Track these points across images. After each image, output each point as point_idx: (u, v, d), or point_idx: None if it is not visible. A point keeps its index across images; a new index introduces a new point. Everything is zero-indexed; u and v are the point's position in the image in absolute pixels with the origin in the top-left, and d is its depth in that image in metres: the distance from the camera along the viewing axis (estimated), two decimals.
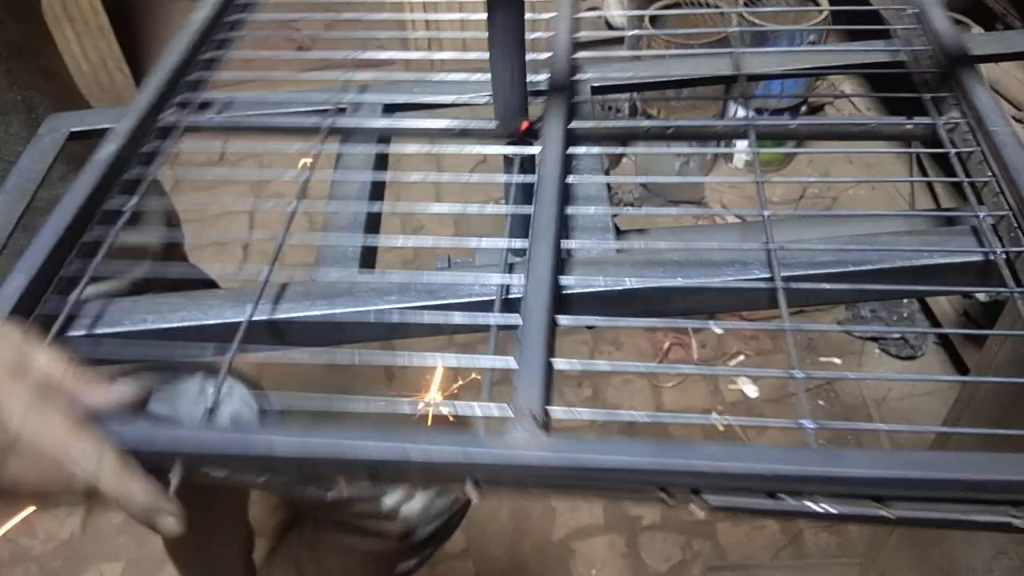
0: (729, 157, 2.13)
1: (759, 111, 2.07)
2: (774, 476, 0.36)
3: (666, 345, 1.92)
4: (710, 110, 2.02)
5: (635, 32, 1.84)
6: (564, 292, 0.43)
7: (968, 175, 0.45)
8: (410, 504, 1.00)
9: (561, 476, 0.34)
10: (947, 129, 0.48)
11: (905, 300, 1.91)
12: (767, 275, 0.43)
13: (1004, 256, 0.41)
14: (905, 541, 1.31)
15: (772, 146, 2.08)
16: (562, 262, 0.44)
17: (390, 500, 0.99)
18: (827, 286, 0.43)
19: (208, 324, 0.44)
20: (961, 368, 1.74)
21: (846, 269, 0.44)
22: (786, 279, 0.44)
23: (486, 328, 0.42)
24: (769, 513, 0.37)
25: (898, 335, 1.84)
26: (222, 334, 0.43)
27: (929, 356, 1.84)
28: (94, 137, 0.61)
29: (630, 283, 0.44)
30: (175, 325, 0.44)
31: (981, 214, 0.43)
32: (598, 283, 0.44)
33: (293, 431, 0.34)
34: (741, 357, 1.90)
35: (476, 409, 0.35)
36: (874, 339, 1.88)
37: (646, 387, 1.85)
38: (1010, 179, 0.42)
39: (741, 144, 2.08)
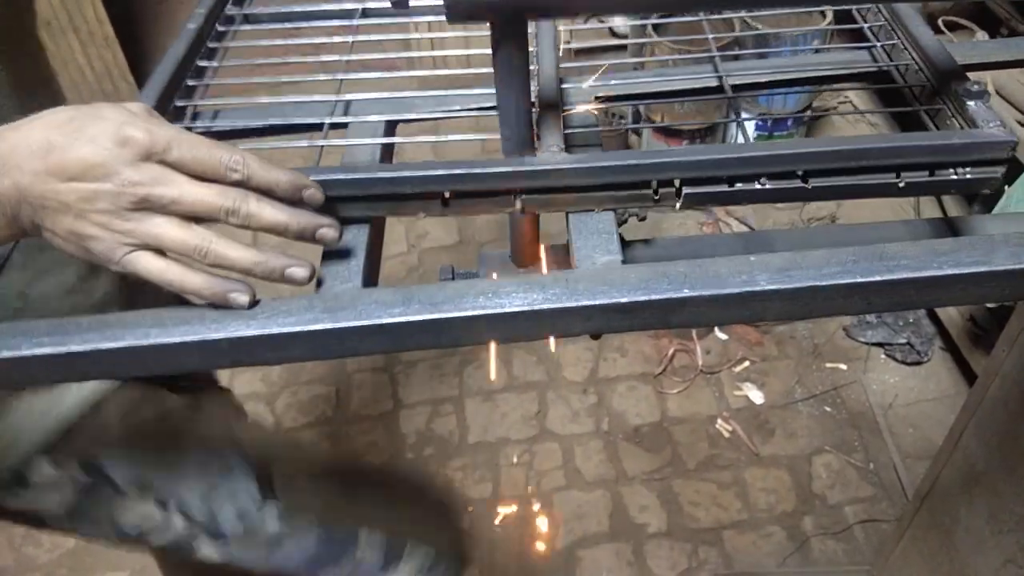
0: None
1: (763, 119, 2.07)
2: (730, 160, 0.48)
3: (670, 352, 1.91)
4: (712, 115, 2.02)
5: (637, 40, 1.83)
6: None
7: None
8: None
9: (580, 176, 0.47)
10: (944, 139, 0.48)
11: None
12: (774, 287, 0.43)
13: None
14: (913, 549, 1.30)
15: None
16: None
17: None
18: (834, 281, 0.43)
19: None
20: (968, 374, 1.73)
21: (854, 280, 0.44)
22: (791, 290, 0.43)
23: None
24: (727, 198, 0.49)
25: (904, 340, 1.84)
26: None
27: (935, 362, 1.84)
28: None
29: (635, 294, 0.43)
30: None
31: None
32: (603, 295, 0.44)
33: None
34: (746, 363, 1.89)
35: None
36: (880, 344, 1.87)
37: (651, 393, 1.84)
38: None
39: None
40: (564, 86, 0.58)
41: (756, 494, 1.66)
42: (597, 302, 0.43)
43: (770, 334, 1.95)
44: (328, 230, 0.46)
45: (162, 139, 0.42)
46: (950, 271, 0.43)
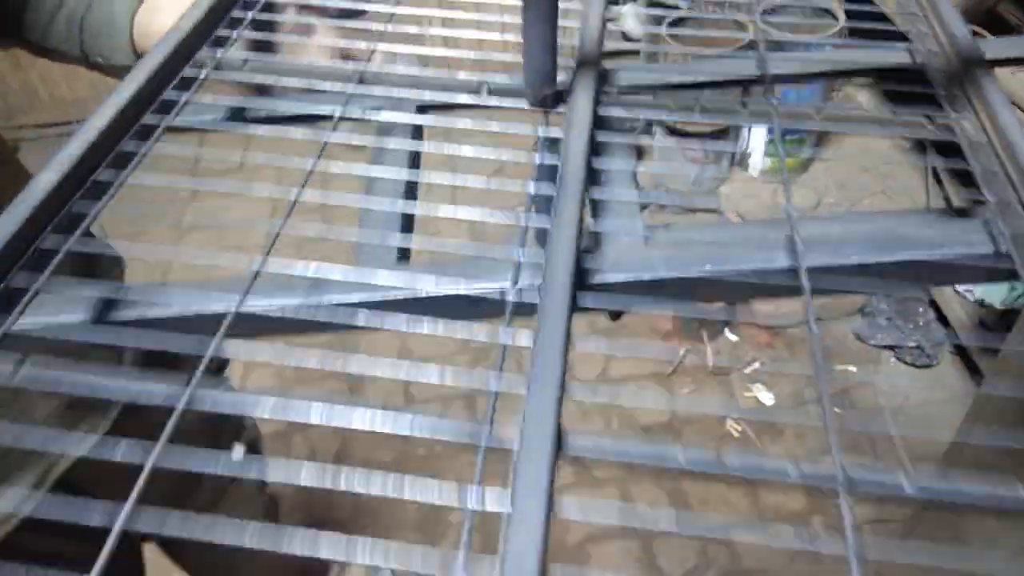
0: (744, 165, 2.14)
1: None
2: None
3: (681, 352, 1.93)
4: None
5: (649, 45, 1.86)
6: (587, 274, 0.44)
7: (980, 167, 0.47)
8: None
9: None
10: (958, 122, 0.50)
11: (921, 309, 1.92)
12: (792, 264, 0.45)
13: (1012, 240, 0.43)
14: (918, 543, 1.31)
15: (791, 147, 2.09)
16: (585, 247, 0.46)
17: None
18: (850, 261, 0.44)
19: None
20: (977, 377, 1.74)
21: (872, 260, 0.45)
22: (811, 269, 0.45)
23: (502, 310, 0.43)
24: None
25: (914, 343, 1.85)
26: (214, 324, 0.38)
27: (944, 365, 1.85)
28: None
29: (658, 270, 0.45)
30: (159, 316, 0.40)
31: (992, 200, 0.45)
32: (623, 266, 0.45)
33: None
34: (756, 364, 1.90)
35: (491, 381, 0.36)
36: (890, 347, 1.88)
37: (661, 393, 1.86)
38: (1020, 169, 0.44)
39: (757, 150, 2.10)
40: (603, 67, 0.59)
41: (765, 494, 1.67)
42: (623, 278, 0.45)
43: (781, 336, 1.96)
44: None
45: None
46: (960, 251, 0.45)
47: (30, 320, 0.38)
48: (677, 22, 2.02)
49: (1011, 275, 0.44)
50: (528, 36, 0.49)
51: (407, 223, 0.53)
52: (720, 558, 1.57)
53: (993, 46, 0.57)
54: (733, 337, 1.97)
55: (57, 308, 0.40)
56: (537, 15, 0.47)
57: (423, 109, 0.61)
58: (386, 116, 0.54)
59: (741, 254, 0.46)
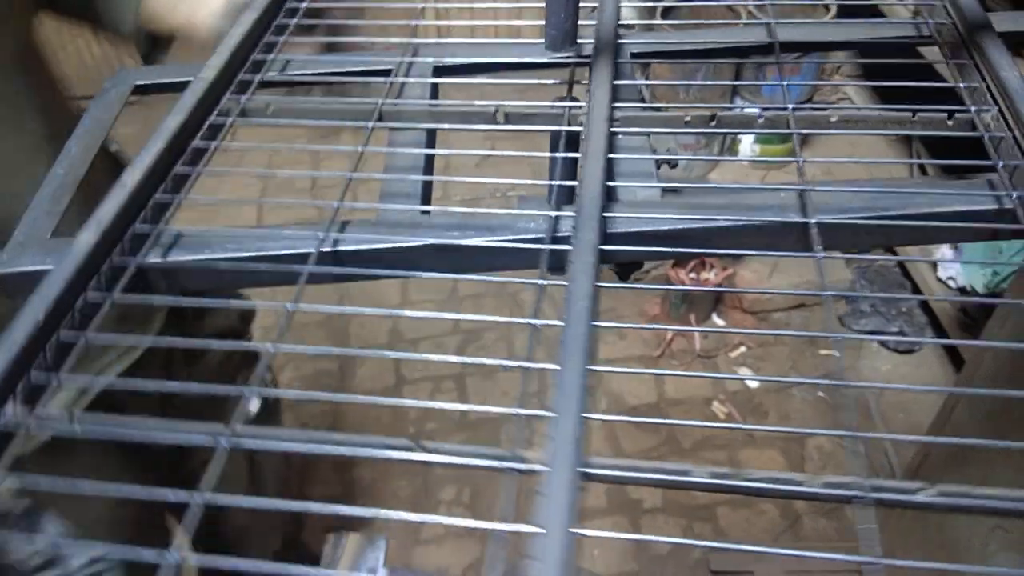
0: (735, 151, 2.17)
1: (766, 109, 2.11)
2: None
3: (669, 336, 1.95)
4: (718, 101, 2.06)
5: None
6: (610, 229, 0.46)
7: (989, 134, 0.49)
8: None
9: None
10: (968, 91, 0.52)
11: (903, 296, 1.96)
12: (801, 218, 0.47)
13: (1019, 199, 0.45)
14: (904, 524, 1.34)
15: (778, 141, 2.12)
16: (608, 204, 0.48)
17: None
18: (859, 219, 0.46)
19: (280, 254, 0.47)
20: (958, 362, 1.78)
21: (876, 215, 0.48)
22: (820, 224, 0.47)
23: (536, 263, 0.45)
24: None
25: (896, 329, 1.89)
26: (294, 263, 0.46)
27: (927, 350, 1.89)
28: (159, 91, 0.64)
29: (676, 222, 0.47)
30: (251, 254, 0.47)
31: (999, 164, 0.47)
32: (644, 220, 0.47)
33: None
34: (743, 348, 1.94)
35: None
36: (873, 333, 1.92)
37: (649, 375, 1.88)
38: (1014, 109, 0.47)
39: (747, 137, 2.12)
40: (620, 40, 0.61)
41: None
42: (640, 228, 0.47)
43: (767, 321, 1.99)
44: None
45: None
46: (964, 207, 0.47)
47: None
48: (669, 10, 2.03)
49: (1017, 233, 0.46)
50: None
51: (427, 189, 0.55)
52: (705, 535, 1.60)
53: (1001, 19, 0.59)
54: (720, 322, 2.00)
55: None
56: None
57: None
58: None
59: (754, 209, 0.48)
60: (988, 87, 0.51)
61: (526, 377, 0.35)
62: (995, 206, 0.47)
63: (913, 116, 0.53)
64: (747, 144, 2.12)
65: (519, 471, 0.31)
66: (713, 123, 0.55)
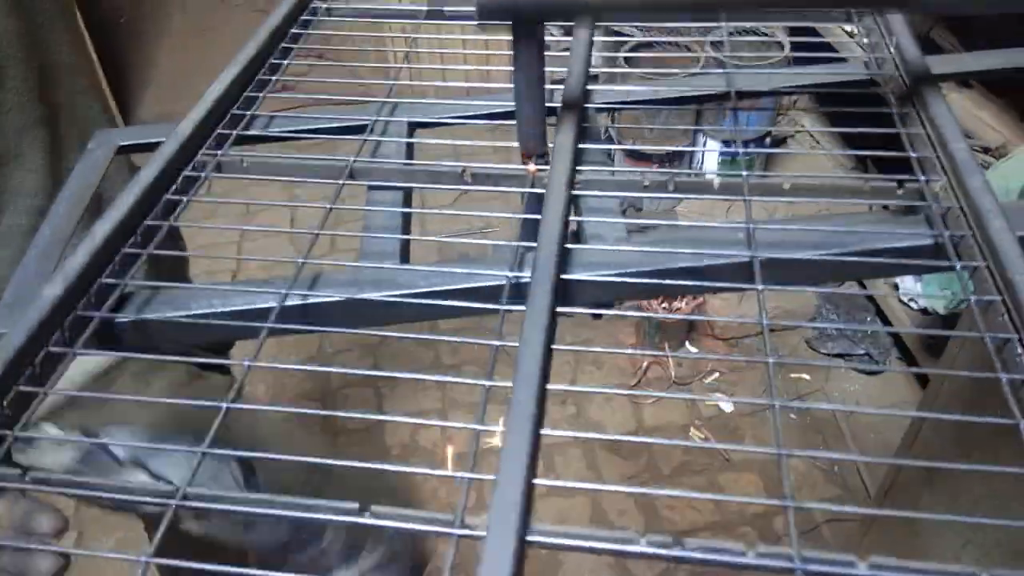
0: (700, 176, 2.23)
1: (726, 143, 2.19)
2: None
3: (645, 364, 1.99)
4: (681, 140, 2.13)
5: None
6: (568, 281, 0.49)
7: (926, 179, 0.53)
8: None
9: None
10: (918, 160, 0.56)
11: (868, 318, 2.02)
12: (748, 254, 0.50)
13: (950, 238, 0.49)
14: (878, 541, 1.38)
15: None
16: (567, 258, 0.50)
17: None
18: (800, 256, 0.50)
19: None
20: (923, 381, 1.84)
21: (819, 252, 0.51)
22: (764, 261, 0.50)
23: (496, 311, 0.47)
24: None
25: (863, 351, 1.94)
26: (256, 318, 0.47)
27: (892, 371, 1.94)
28: (142, 151, 0.66)
29: (634, 274, 0.51)
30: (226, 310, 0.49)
31: (933, 205, 0.51)
32: (600, 276, 0.50)
33: None
34: (716, 374, 1.98)
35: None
36: (840, 355, 1.97)
37: (627, 403, 1.92)
38: (959, 180, 0.50)
39: (710, 171, 2.19)
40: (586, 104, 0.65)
41: (728, 497, 1.74)
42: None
43: (738, 347, 2.04)
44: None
45: None
46: (900, 244, 0.51)
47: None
48: (633, 49, 2.11)
49: (950, 267, 0.51)
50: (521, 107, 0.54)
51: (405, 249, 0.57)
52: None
53: (939, 62, 0.64)
54: (694, 349, 2.05)
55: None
56: (528, 84, 0.52)
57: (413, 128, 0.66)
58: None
59: (704, 249, 0.52)
60: (938, 156, 0.55)
61: (475, 440, 0.36)
62: (931, 242, 0.51)
63: (865, 184, 0.56)
64: (711, 177, 2.19)
65: (460, 536, 0.32)
66: (671, 189, 0.58)
